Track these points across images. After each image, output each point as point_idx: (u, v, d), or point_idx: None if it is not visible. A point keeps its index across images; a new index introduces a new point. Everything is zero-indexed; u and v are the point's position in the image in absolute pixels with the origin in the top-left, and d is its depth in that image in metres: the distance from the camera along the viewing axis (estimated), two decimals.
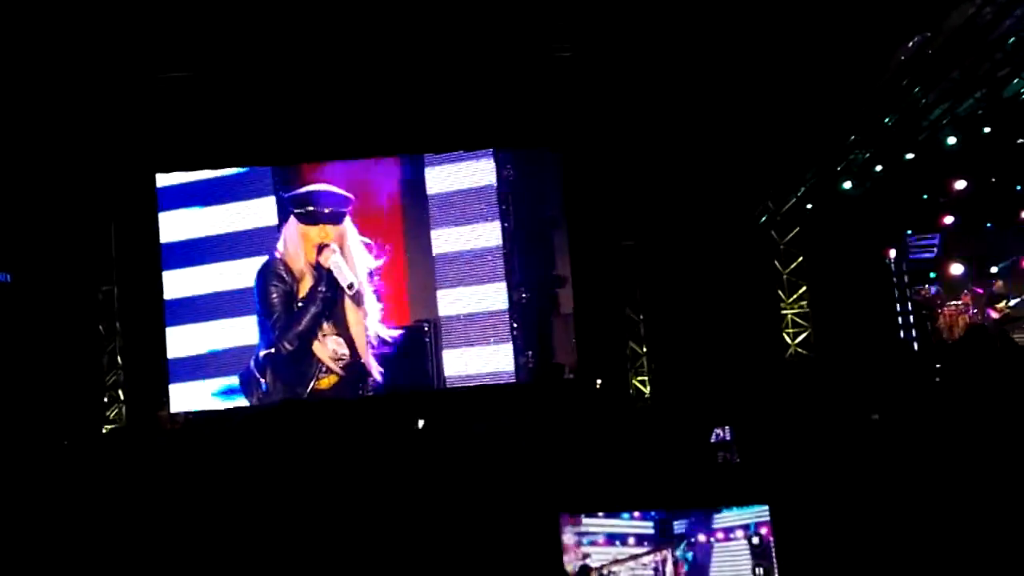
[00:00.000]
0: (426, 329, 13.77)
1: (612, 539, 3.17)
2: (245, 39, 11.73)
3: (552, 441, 5.68)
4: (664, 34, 12.07)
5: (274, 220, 13.88)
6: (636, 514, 3.17)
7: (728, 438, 6.92)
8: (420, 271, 13.89)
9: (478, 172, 14.00)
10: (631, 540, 3.16)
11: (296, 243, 13.58)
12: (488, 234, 13.91)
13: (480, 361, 13.83)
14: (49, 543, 4.93)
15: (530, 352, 13.87)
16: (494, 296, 13.84)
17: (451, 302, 13.88)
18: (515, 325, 13.81)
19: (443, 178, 13.98)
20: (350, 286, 13.39)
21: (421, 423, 8.63)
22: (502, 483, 4.28)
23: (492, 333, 13.81)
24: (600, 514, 3.21)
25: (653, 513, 3.15)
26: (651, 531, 3.15)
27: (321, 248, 13.49)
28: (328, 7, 11.30)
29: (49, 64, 11.81)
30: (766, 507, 3.10)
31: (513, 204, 13.97)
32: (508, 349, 13.83)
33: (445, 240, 13.90)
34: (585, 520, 3.23)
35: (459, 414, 12.13)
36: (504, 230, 13.89)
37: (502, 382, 13.78)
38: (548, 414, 10.43)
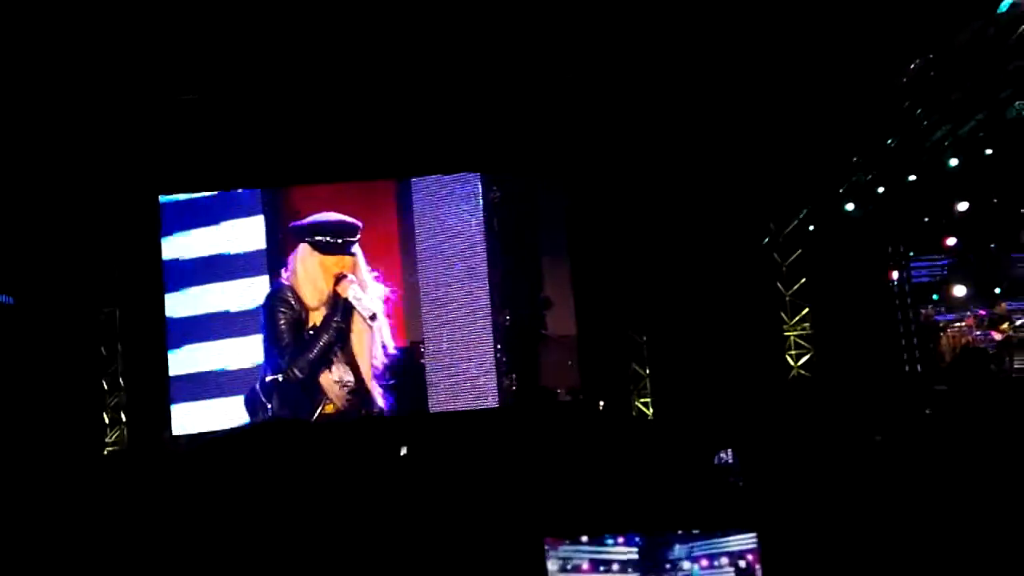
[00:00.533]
0: (421, 351, 13.76)
1: (596, 565, 3.15)
2: (241, 61, 11.76)
3: (540, 464, 5.65)
4: (665, 54, 12.07)
5: (262, 242, 13.89)
6: (620, 539, 3.14)
7: (731, 461, 6.90)
8: (411, 294, 13.90)
9: (464, 194, 14.01)
10: (615, 567, 3.13)
11: (309, 271, 13.48)
12: (473, 256, 13.91)
13: (464, 384, 13.80)
14: (50, 566, 4.91)
15: (513, 375, 13.83)
16: (478, 319, 13.83)
17: (436, 325, 13.85)
18: (499, 347, 13.78)
19: (429, 200, 13.98)
20: (372, 317, 13.31)
21: (404, 450, 8.60)
22: (488, 507, 4.26)
23: (475, 356, 13.79)
24: (584, 539, 3.18)
25: (637, 539, 3.12)
26: (635, 556, 3.12)
27: (339, 278, 13.40)
28: (327, 34, 11.33)
29: (51, 86, 11.84)
30: (754, 534, 3.06)
31: (500, 227, 13.97)
32: (491, 372, 13.78)
33: (430, 262, 13.90)
34: (569, 545, 3.20)
35: (448, 439, 12.13)
36: (489, 252, 13.89)
37: (485, 406, 13.73)
38: (537, 437, 10.42)
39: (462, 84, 12.60)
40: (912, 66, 10.21)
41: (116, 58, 11.43)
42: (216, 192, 14.04)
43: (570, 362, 13.91)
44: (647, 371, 14.27)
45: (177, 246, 13.99)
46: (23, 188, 13.13)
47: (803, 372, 14.03)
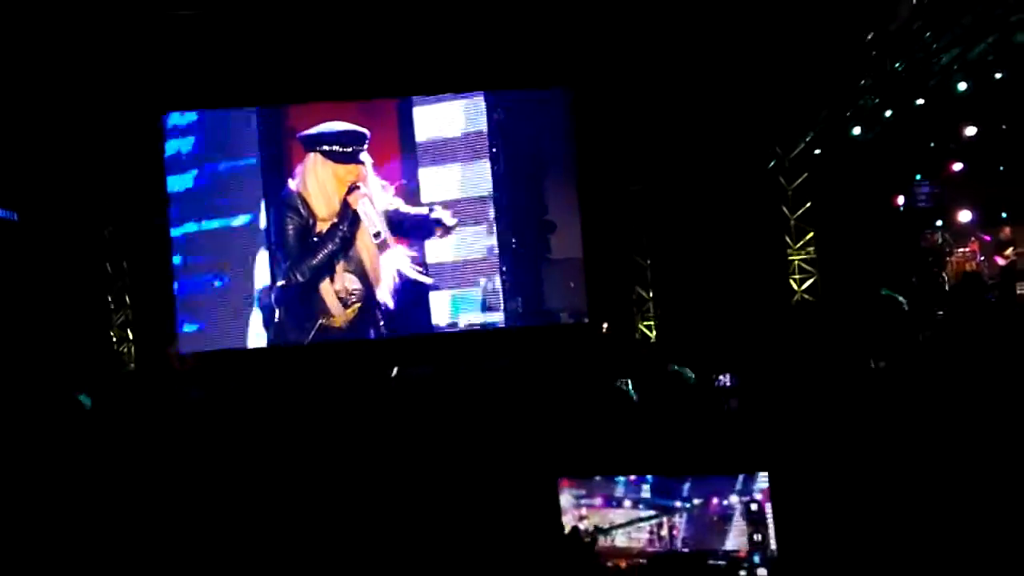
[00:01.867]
0: (426, 271, 13.77)
1: (609, 502, 3.21)
2: None
3: (551, 391, 5.68)
4: None
5: (255, 159, 13.87)
6: (632, 478, 3.20)
7: (731, 384, 6.96)
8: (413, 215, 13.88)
9: (468, 114, 13.94)
10: (627, 503, 3.19)
11: (321, 180, 13.41)
12: (477, 178, 13.87)
13: (470, 306, 13.87)
14: (56, 488, 4.94)
15: (519, 298, 13.87)
16: (483, 241, 13.84)
17: (440, 247, 13.87)
18: (504, 269, 13.82)
19: (432, 120, 13.90)
20: (376, 235, 13.30)
21: (394, 371, 8.67)
22: (500, 438, 4.30)
23: (482, 278, 13.82)
24: (597, 479, 3.25)
25: (650, 478, 3.18)
26: (648, 495, 3.19)
27: (351, 188, 13.39)
28: None
29: (53, 2, 11.74)
30: (765, 474, 3.12)
31: (503, 147, 13.90)
32: (498, 293, 13.83)
33: (434, 184, 13.83)
34: (582, 483, 3.27)
35: (454, 360, 12.21)
36: (494, 173, 13.86)
37: (492, 327, 13.80)
38: (543, 361, 10.48)
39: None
40: None
41: None
42: (211, 109, 13.97)
43: (572, 284, 13.92)
44: (650, 294, 14.32)
45: (178, 161, 13.97)
46: (26, 105, 13.07)
47: (806, 296, 14.09)
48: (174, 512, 4.52)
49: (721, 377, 6.93)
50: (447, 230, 13.69)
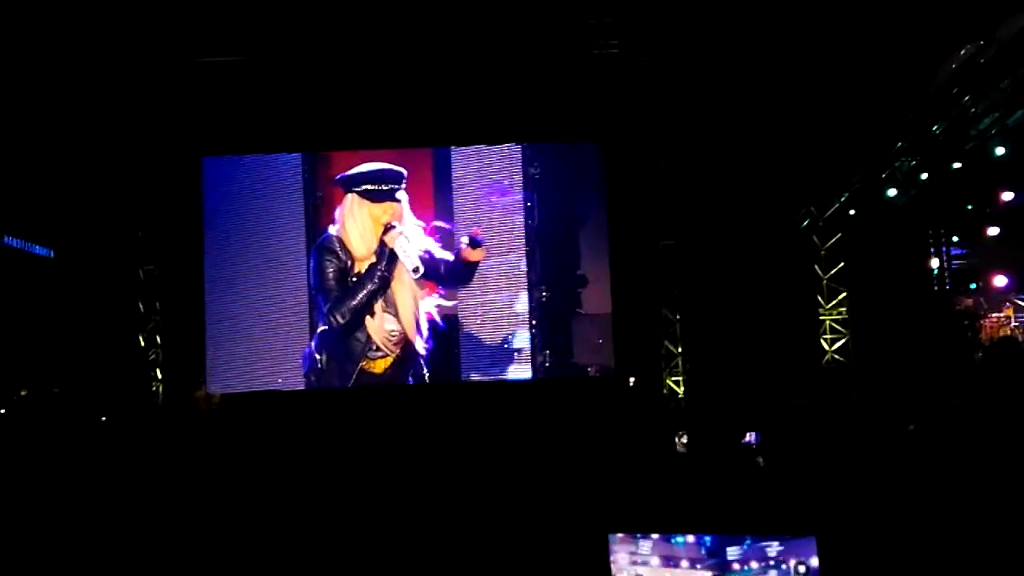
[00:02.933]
0: (456, 321, 13.79)
1: (666, 560, 3.18)
2: (284, 25, 11.84)
3: (596, 450, 5.65)
4: (710, 34, 12.03)
5: (295, 204, 13.96)
6: (691, 538, 3.17)
7: (755, 442, 6.94)
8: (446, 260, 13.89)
9: (505, 167, 14.05)
10: (684, 564, 3.16)
11: (358, 220, 13.47)
12: (511, 231, 13.94)
13: (497, 358, 13.86)
14: (80, 517, 4.97)
15: (548, 351, 13.88)
16: (514, 294, 13.87)
17: (472, 297, 13.88)
18: (534, 323, 13.84)
19: (469, 171, 14.02)
20: (415, 270, 13.32)
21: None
22: (545, 489, 4.28)
23: (511, 330, 13.83)
24: (654, 536, 3.22)
25: (708, 539, 3.16)
26: (704, 555, 3.16)
27: (387, 228, 13.45)
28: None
29: (97, 45, 11.92)
30: (813, 538, 3.09)
31: (538, 201, 14.01)
32: (526, 347, 13.84)
33: (469, 229, 13.87)
34: (637, 540, 3.24)
35: (488, 413, 12.18)
36: (528, 227, 13.92)
37: (519, 379, 13.80)
38: (576, 416, 10.44)
39: (503, 53, 12.61)
40: (962, 52, 10.12)
41: (164, 20, 11.51)
42: (252, 155, 14.08)
43: (600, 340, 13.93)
44: (679, 350, 14.25)
45: (216, 204, 14.06)
46: (65, 146, 13.24)
47: (837, 357, 14.00)
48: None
49: (748, 436, 6.91)
50: (481, 247, 13.69)
